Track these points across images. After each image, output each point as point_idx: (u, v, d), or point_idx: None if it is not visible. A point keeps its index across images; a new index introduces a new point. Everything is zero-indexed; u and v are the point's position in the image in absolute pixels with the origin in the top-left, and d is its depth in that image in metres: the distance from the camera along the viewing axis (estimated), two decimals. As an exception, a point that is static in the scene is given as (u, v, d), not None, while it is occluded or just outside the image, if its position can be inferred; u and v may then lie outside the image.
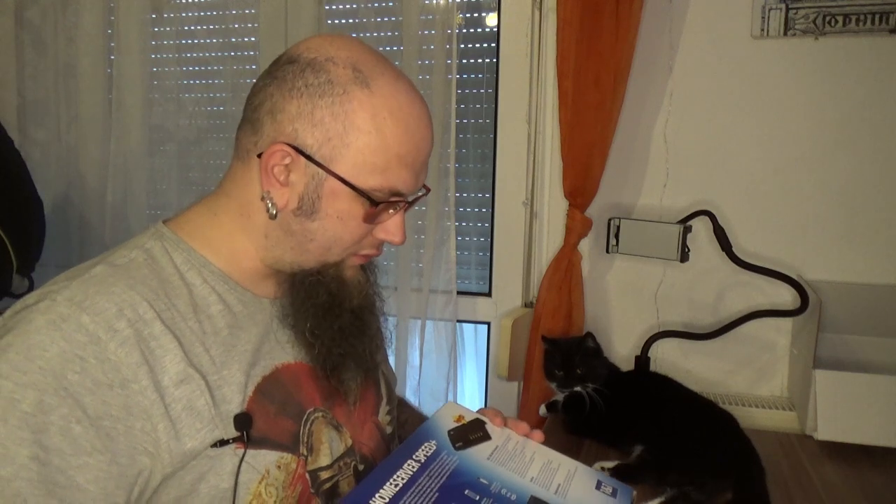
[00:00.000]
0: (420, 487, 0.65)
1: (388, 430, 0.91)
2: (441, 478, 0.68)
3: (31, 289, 1.62)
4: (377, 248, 0.81)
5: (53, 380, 0.61)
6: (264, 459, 0.71)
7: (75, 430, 0.61)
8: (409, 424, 1.03)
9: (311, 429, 0.77)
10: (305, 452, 0.75)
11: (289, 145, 0.71)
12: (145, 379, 0.65)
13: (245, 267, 0.77)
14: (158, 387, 0.66)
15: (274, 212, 0.74)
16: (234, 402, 0.71)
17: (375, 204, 0.73)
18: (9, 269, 1.55)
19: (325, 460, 0.77)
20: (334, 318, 0.78)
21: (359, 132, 0.71)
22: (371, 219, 0.75)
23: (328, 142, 0.71)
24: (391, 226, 0.78)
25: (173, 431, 0.66)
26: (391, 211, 0.77)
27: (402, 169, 0.73)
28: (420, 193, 0.81)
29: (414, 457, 0.70)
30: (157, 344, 0.67)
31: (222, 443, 0.68)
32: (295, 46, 0.75)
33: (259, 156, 0.73)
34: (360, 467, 0.82)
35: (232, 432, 0.69)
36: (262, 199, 0.74)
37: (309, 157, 0.71)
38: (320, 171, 0.72)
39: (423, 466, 0.69)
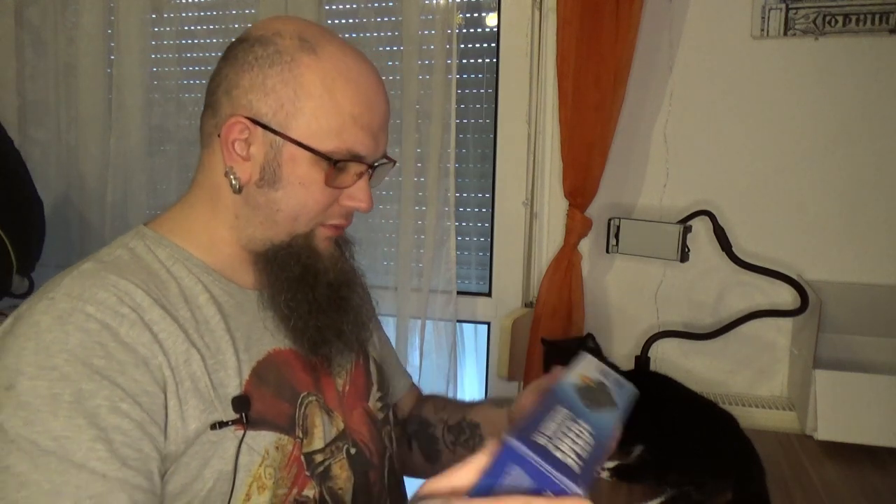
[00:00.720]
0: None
1: (380, 416, 0.91)
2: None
3: (31, 289, 1.62)
4: (346, 218, 0.81)
5: (84, 367, 0.62)
6: (263, 440, 0.72)
7: (123, 407, 0.63)
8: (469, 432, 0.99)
9: (306, 412, 0.78)
10: (301, 435, 0.76)
11: (245, 117, 0.73)
12: (160, 356, 0.67)
13: (226, 254, 0.78)
14: (170, 365, 0.67)
15: (237, 185, 0.75)
16: (232, 386, 0.72)
17: (334, 163, 0.74)
18: (9, 269, 1.55)
19: (318, 443, 0.78)
20: (309, 289, 0.78)
21: (309, 96, 0.73)
22: (332, 181, 0.76)
23: (281, 108, 0.73)
24: (357, 192, 0.78)
25: (180, 411, 0.67)
26: (355, 176, 0.77)
27: (357, 130, 0.74)
28: (384, 162, 0.82)
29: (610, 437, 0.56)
30: (158, 328, 0.68)
31: (221, 424, 0.69)
32: (246, 29, 0.78)
33: (220, 136, 0.75)
34: (353, 451, 0.83)
35: (231, 414, 0.70)
36: (226, 174, 0.75)
37: (265, 126, 0.73)
38: (278, 138, 0.73)
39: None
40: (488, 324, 1.75)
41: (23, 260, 1.57)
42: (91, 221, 1.89)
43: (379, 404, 0.91)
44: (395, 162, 0.85)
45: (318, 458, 0.78)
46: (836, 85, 1.44)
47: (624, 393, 0.65)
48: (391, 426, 0.94)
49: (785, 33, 1.45)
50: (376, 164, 0.80)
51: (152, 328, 0.68)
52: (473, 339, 1.82)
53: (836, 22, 1.42)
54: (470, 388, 1.82)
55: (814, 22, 1.43)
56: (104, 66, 1.83)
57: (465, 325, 1.76)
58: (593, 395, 0.60)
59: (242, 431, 0.70)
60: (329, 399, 0.82)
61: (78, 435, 0.60)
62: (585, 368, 0.65)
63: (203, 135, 0.79)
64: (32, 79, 1.90)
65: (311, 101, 0.73)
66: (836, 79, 1.44)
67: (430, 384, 1.72)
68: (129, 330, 0.66)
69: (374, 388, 0.92)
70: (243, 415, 0.71)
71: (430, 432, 1.02)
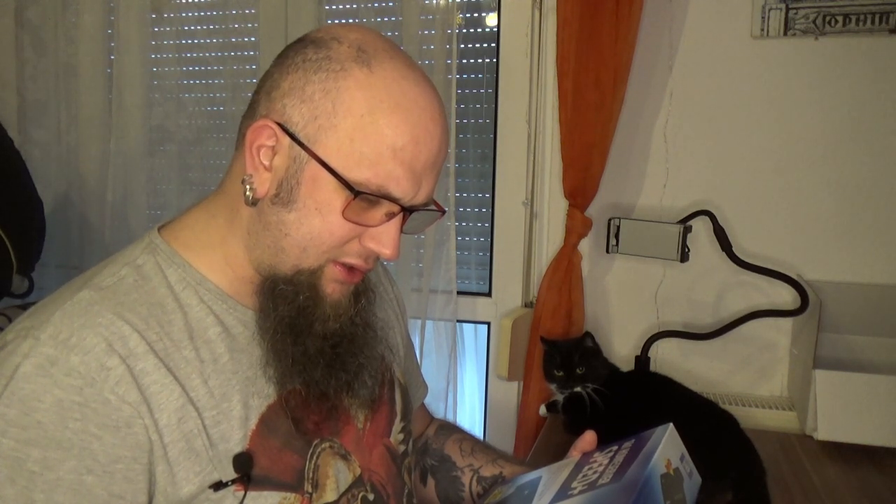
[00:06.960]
0: None
1: (401, 448, 0.85)
2: None
3: (31, 289, 1.62)
4: (365, 260, 0.70)
5: (55, 432, 0.59)
6: (266, 502, 0.67)
7: (87, 481, 0.60)
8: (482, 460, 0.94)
9: (318, 462, 0.72)
10: (310, 490, 0.71)
11: (276, 123, 0.65)
12: (147, 417, 0.62)
13: (241, 277, 0.71)
14: (157, 426, 0.63)
15: (251, 196, 0.67)
16: (234, 440, 0.67)
17: (355, 194, 0.64)
18: (9, 269, 1.54)
19: (331, 496, 0.72)
20: (297, 337, 0.69)
21: (349, 113, 0.64)
22: (353, 215, 0.66)
23: (314, 120, 0.64)
24: (382, 234, 0.68)
25: (170, 476, 0.63)
26: (384, 216, 0.67)
27: (396, 165, 0.64)
28: (430, 209, 0.72)
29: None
30: (150, 380, 0.63)
31: (221, 485, 0.65)
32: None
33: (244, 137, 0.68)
34: (370, 497, 0.77)
35: (231, 473, 0.65)
36: (243, 181, 0.67)
37: (292, 136, 0.65)
38: (303, 153, 0.65)
39: None
40: (488, 324, 1.75)
41: (23, 260, 1.57)
42: (91, 221, 1.89)
43: (401, 436, 0.85)
44: (443, 212, 0.75)
45: None
46: (836, 85, 1.44)
47: (692, 484, 0.69)
48: (410, 455, 0.88)
49: (785, 33, 1.45)
50: (415, 209, 0.69)
51: (142, 381, 0.62)
52: (473, 339, 1.82)
53: (836, 22, 1.42)
54: (470, 388, 1.82)
55: (814, 22, 1.43)
56: (104, 66, 1.83)
57: (465, 325, 1.76)
58: (671, 485, 0.66)
59: (243, 492, 0.65)
60: (347, 441, 0.76)
61: None
62: (670, 452, 0.69)
63: (238, 136, 0.71)
64: (32, 79, 1.91)
65: (350, 120, 0.63)
66: (835, 79, 1.44)
67: (430, 384, 1.70)
68: (114, 387, 0.61)
69: (398, 418, 0.85)
70: (245, 474, 0.66)
71: (455, 475, 0.94)
